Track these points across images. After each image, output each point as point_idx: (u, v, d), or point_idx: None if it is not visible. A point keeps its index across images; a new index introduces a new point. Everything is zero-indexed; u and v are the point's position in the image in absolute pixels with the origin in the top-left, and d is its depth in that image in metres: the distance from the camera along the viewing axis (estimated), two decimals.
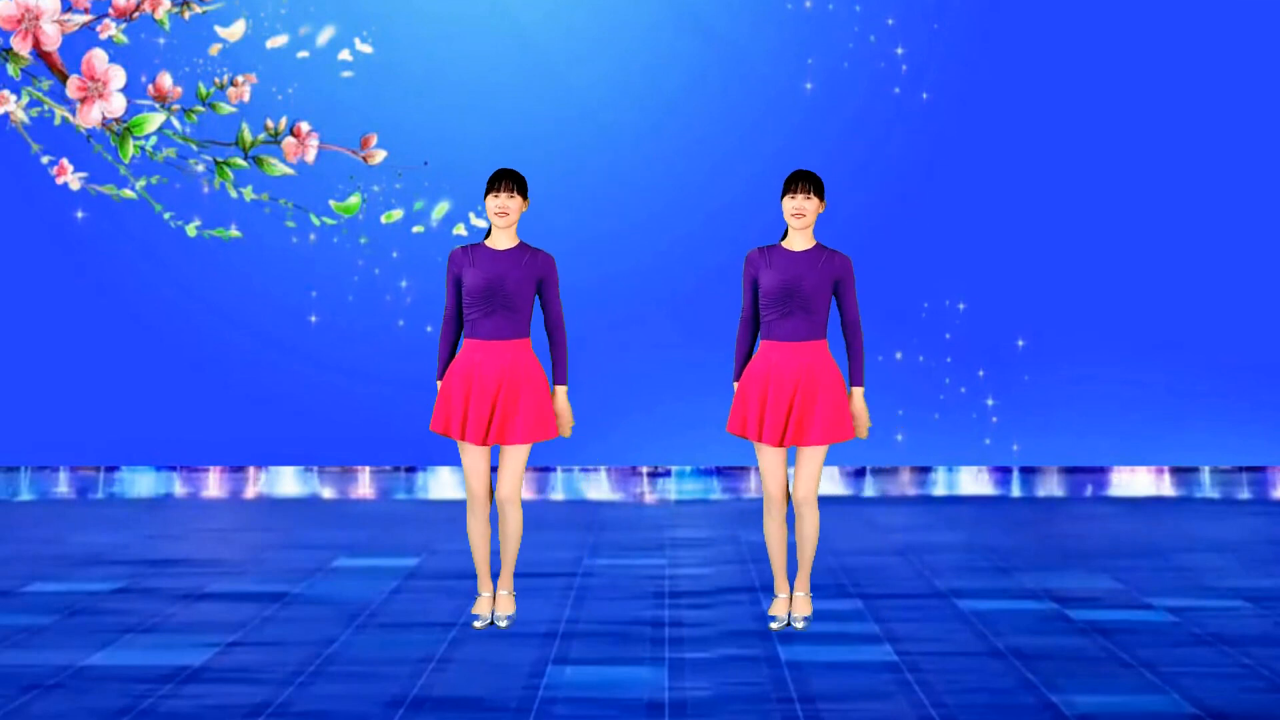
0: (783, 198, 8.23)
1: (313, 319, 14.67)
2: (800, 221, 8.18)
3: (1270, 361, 14.76)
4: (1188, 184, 14.72)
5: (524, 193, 8.22)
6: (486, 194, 8.21)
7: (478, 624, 8.29)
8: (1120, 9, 14.69)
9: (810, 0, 14.65)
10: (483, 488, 8.22)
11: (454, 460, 14.76)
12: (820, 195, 8.18)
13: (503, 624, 8.29)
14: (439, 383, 8.24)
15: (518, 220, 8.25)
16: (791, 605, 8.33)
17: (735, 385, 8.31)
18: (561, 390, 8.31)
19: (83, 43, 13.90)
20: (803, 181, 8.19)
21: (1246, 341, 14.74)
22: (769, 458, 8.24)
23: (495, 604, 8.36)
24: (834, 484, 14.85)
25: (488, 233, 8.30)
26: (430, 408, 11.41)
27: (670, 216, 14.67)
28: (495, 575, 8.66)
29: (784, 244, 8.25)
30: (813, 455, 8.16)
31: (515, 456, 8.16)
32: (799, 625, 8.25)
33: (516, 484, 8.21)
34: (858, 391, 8.32)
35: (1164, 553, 11.00)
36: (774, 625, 8.26)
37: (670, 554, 10.97)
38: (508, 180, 8.20)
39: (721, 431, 9.55)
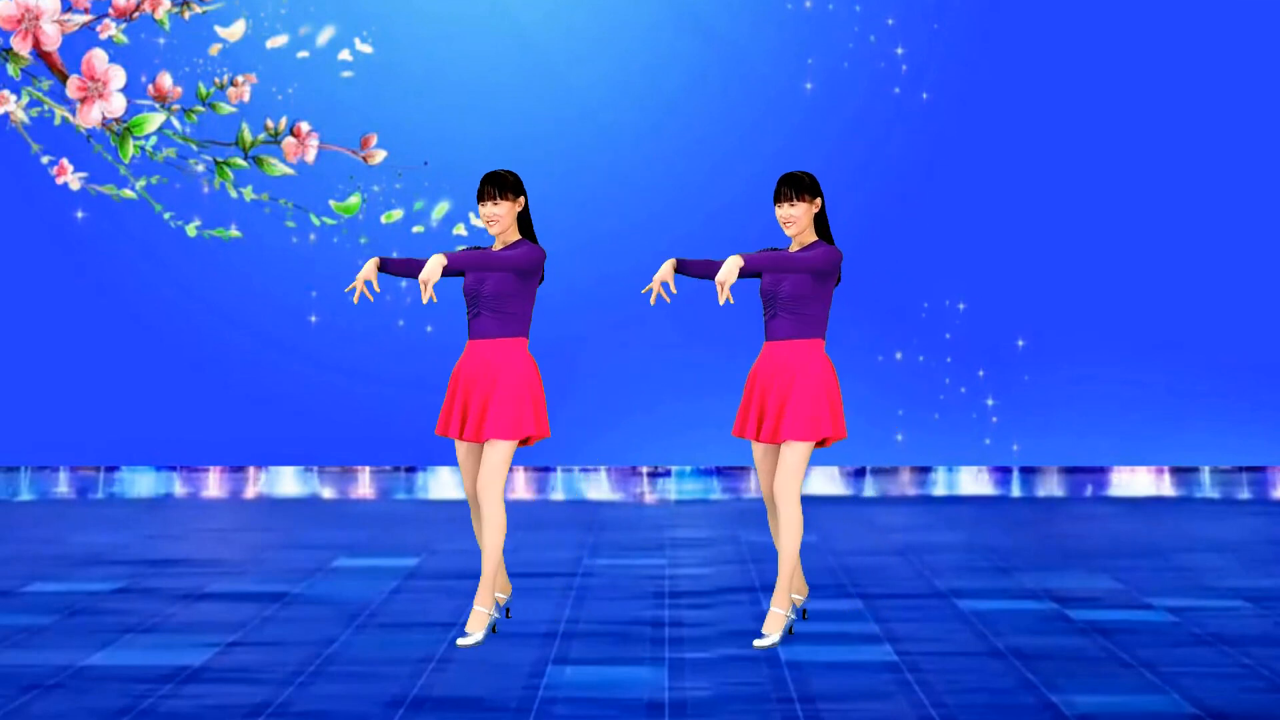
0: (775, 205, 8.11)
1: (313, 319, 14.67)
2: (792, 228, 8.09)
3: (1270, 361, 14.76)
4: (1188, 184, 14.72)
5: (514, 193, 8.12)
6: (477, 202, 8.18)
7: (463, 641, 8.01)
8: (1120, 9, 14.69)
9: (810, 0, 14.65)
10: (470, 483, 8.17)
11: (453, 460, 14.77)
12: (810, 195, 8.07)
13: (494, 629, 8.03)
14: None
15: (512, 222, 8.17)
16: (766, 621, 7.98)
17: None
18: (375, 263, 8.17)
19: (83, 43, 13.91)
20: (787, 188, 8.03)
21: (1246, 341, 14.74)
22: (754, 454, 8.20)
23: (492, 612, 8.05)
24: (834, 484, 14.85)
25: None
26: (432, 409, 11.46)
27: (670, 216, 14.67)
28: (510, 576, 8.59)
29: (785, 248, 8.19)
30: (788, 450, 8.06)
31: (490, 452, 8.04)
32: (762, 644, 7.87)
33: (491, 478, 8.00)
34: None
35: (1164, 553, 11.00)
36: (758, 643, 7.96)
37: (670, 554, 10.97)
38: (491, 187, 8.10)
39: (721, 431, 9.57)
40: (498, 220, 8.11)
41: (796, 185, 8.03)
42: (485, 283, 8.08)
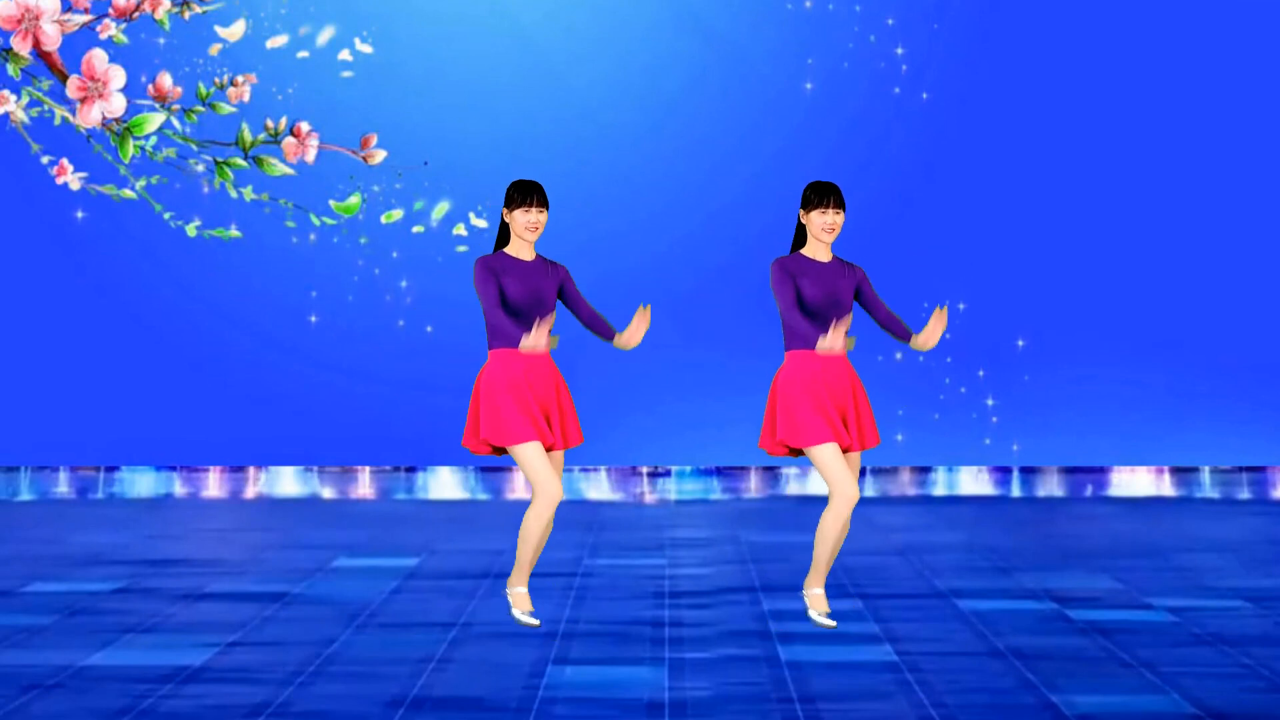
0: (810, 210, 8.12)
1: (313, 319, 14.67)
2: (832, 236, 8.18)
3: (1270, 361, 14.76)
4: (1188, 184, 14.72)
5: (548, 205, 8.18)
6: (514, 207, 8.08)
7: (536, 621, 8.13)
8: (1120, 9, 14.69)
9: (810, 0, 14.65)
10: (559, 487, 8.10)
11: (453, 460, 14.77)
12: (845, 208, 8.22)
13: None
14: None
15: None
16: (810, 602, 8.24)
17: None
18: (623, 334, 8.17)
19: (83, 43, 13.91)
20: (834, 196, 8.15)
21: (1246, 341, 14.74)
22: (839, 459, 8.30)
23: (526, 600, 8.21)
24: None
25: (502, 242, 8.16)
26: (432, 409, 11.54)
27: (670, 216, 14.67)
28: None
29: (808, 255, 8.20)
30: (858, 460, 8.46)
31: (561, 460, 8.21)
32: (828, 622, 8.19)
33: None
34: (926, 334, 8.35)
35: (1164, 553, 11.00)
36: (831, 622, 8.17)
37: (670, 554, 10.97)
38: (539, 195, 8.11)
39: (721, 432, 9.57)
40: (540, 228, 8.13)
41: (841, 195, 8.16)
42: (548, 295, 8.09)
